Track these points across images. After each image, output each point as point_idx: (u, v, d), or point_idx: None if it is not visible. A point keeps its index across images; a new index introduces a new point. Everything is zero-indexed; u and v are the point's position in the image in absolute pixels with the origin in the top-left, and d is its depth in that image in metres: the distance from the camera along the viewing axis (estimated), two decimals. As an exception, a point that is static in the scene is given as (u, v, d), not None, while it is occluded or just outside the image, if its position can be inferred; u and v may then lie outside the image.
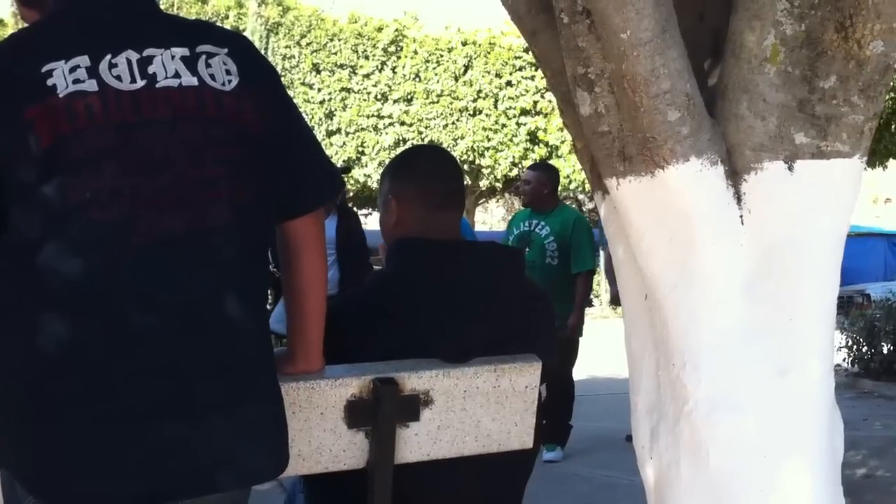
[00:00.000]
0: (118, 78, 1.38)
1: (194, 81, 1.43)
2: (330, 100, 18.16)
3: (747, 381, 1.42)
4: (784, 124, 1.42)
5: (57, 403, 1.36)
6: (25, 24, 1.58)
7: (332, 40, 18.27)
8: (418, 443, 1.76)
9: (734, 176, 1.44)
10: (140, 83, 1.39)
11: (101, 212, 1.35)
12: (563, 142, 18.06)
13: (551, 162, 18.42)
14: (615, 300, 6.60)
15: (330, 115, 18.12)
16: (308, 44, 18.21)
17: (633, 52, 1.34)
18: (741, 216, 1.44)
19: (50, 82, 1.35)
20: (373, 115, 18.23)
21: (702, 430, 1.44)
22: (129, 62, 1.40)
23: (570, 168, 18.10)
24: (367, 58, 18.34)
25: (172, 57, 1.43)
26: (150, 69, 1.41)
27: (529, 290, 2.09)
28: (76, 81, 1.36)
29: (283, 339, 1.71)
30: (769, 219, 1.43)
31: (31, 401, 1.38)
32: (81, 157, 1.34)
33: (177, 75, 1.42)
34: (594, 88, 1.44)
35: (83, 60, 1.37)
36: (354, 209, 5.79)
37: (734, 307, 1.44)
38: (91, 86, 1.36)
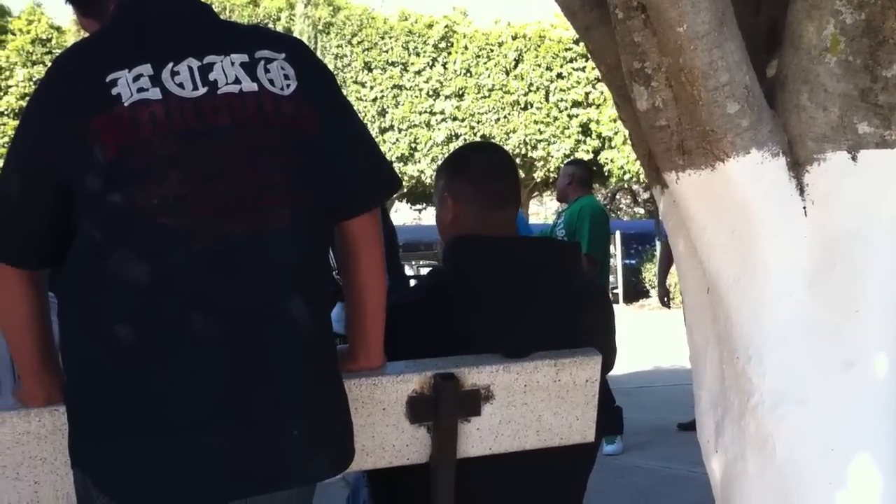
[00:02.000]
0: (181, 85, 1.40)
1: (254, 87, 1.45)
2: (382, 97, 18.24)
3: (813, 375, 1.41)
4: (846, 114, 1.40)
5: (123, 405, 1.39)
6: (86, 33, 1.62)
7: (382, 38, 18.34)
8: (480, 437, 1.78)
9: (796, 167, 1.42)
10: (202, 90, 1.41)
11: (167, 218, 1.37)
12: (615, 133, 17.92)
13: (604, 153, 18.32)
14: (661, 300, 6.51)
15: (382, 113, 18.20)
16: (359, 42, 18.31)
17: (691, 46, 1.33)
18: (804, 208, 1.42)
19: (115, 92, 1.37)
20: (425, 112, 18.26)
21: (768, 424, 1.42)
22: (190, 69, 1.42)
23: (623, 159, 17.96)
24: (417, 54, 18.38)
25: (232, 63, 1.45)
26: (211, 76, 1.43)
27: (585, 283, 2.09)
28: (140, 90, 1.38)
29: (342, 338, 1.73)
30: (833, 210, 1.41)
31: (99, 402, 1.42)
32: (146, 165, 1.37)
33: (237, 81, 1.44)
34: (651, 83, 1.43)
35: (146, 69, 1.40)
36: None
37: (798, 300, 1.42)
38: (155, 94, 1.39)
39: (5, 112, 16.34)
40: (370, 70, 18.34)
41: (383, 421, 1.71)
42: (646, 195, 22.29)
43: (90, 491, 1.43)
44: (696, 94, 1.37)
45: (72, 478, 1.50)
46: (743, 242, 1.45)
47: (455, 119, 18.29)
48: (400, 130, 18.26)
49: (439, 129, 18.25)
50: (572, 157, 15.29)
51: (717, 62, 1.35)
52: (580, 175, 5.91)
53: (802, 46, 1.41)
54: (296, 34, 16.70)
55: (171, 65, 1.41)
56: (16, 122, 15.96)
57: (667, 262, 6.35)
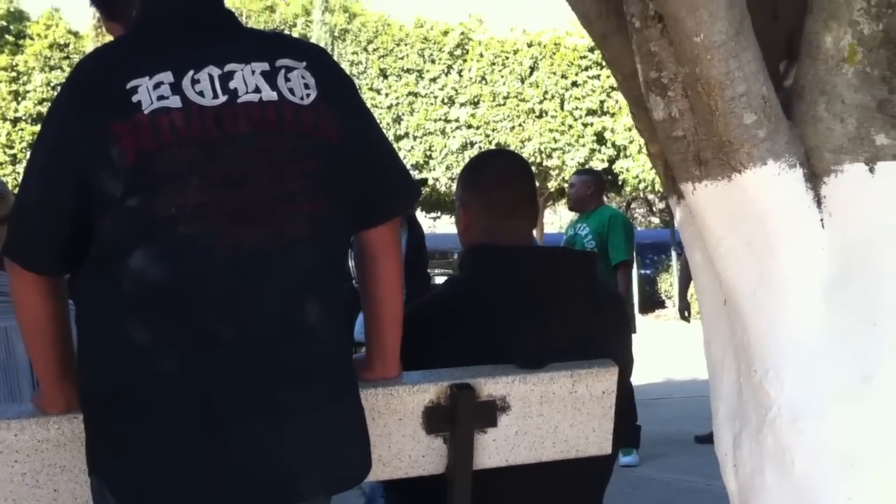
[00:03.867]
0: (201, 94, 1.41)
1: (274, 96, 1.45)
2: (397, 104, 18.28)
3: (831, 388, 1.40)
4: (864, 125, 1.39)
5: (140, 411, 1.40)
6: (107, 37, 1.63)
7: (398, 45, 18.39)
8: (496, 448, 1.78)
9: (813, 179, 1.42)
10: (222, 98, 1.42)
11: (186, 226, 1.38)
12: (630, 141, 17.88)
13: (619, 161, 18.28)
14: (682, 313, 6.48)
15: (398, 120, 18.23)
16: (375, 49, 18.36)
17: (707, 56, 1.33)
18: (821, 219, 1.42)
19: (135, 98, 1.38)
20: (440, 119, 18.28)
21: (786, 437, 1.41)
22: (211, 78, 1.42)
23: (638, 168, 17.92)
24: (433, 62, 18.41)
25: (253, 72, 1.45)
26: (232, 84, 1.43)
27: (602, 293, 2.09)
28: (160, 98, 1.39)
29: (361, 346, 1.74)
30: (850, 221, 1.40)
31: (116, 409, 1.42)
32: (166, 172, 1.38)
33: (257, 90, 1.44)
34: (667, 92, 1.43)
35: (167, 76, 1.40)
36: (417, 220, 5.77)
37: (816, 312, 1.41)
38: (175, 102, 1.39)
39: (23, 117, 16.44)
40: (385, 77, 18.38)
41: (400, 431, 1.71)
42: (661, 205, 22.24)
43: (107, 499, 1.44)
44: (712, 104, 1.36)
45: (89, 485, 1.50)
46: (759, 254, 1.44)
47: (470, 127, 18.30)
48: (415, 138, 18.28)
49: (454, 137, 18.26)
50: (585, 167, 15.25)
51: (734, 72, 1.34)
52: (600, 184, 5.92)
53: (820, 57, 1.41)
54: (312, 40, 16.75)
55: (191, 73, 1.42)
56: (34, 127, 16.12)
57: (687, 274, 6.31)
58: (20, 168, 16.02)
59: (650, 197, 21.59)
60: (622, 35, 1.57)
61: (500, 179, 2.01)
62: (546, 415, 1.80)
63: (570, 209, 6.03)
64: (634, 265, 5.79)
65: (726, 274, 1.50)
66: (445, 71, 18.47)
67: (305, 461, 1.44)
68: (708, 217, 1.49)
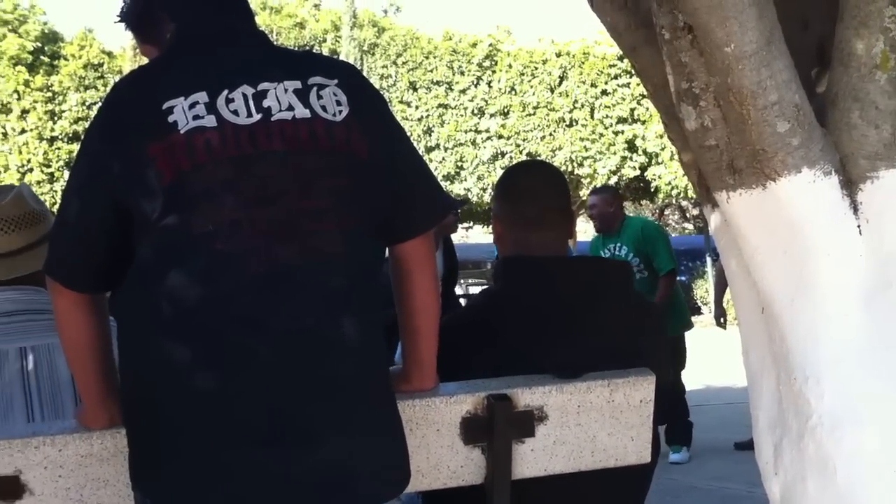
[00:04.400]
0: (235, 113, 1.43)
1: (307, 114, 1.47)
2: (428, 116, 18.31)
3: (871, 395, 1.39)
4: (899, 131, 1.39)
5: (177, 428, 1.42)
6: (140, 57, 1.65)
7: (427, 58, 18.44)
8: (534, 458, 1.78)
9: (849, 186, 1.41)
10: (256, 117, 1.44)
11: (222, 243, 1.39)
12: (662, 148, 17.77)
13: (651, 169, 18.18)
14: (717, 320, 6.42)
15: (428, 132, 18.27)
16: (404, 63, 18.42)
17: (739, 66, 1.33)
18: (858, 226, 1.41)
19: (171, 119, 1.40)
20: (470, 130, 18.28)
21: (827, 445, 1.41)
22: (244, 97, 1.44)
23: (671, 175, 17.81)
24: (462, 73, 18.43)
25: (286, 90, 1.47)
26: (265, 103, 1.45)
27: (637, 302, 2.08)
28: (196, 117, 1.41)
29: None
30: (887, 228, 1.39)
31: (155, 425, 1.44)
32: (201, 191, 1.39)
33: (290, 108, 1.46)
34: (699, 102, 1.43)
35: (202, 96, 1.42)
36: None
37: (854, 319, 1.40)
38: (210, 121, 1.41)
39: (59, 136, 16.67)
40: (415, 90, 18.44)
41: (438, 442, 1.72)
42: (695, 211, 22.07)
43: None
44: (745, 113, 1.37)
45: (132, 500, 1.52)
46: (796, 262, 1.44)
47: (500, 137, 18.29)
48: (446, 149, 18.30)
49: (485, 148, 18.25)
50: (598, 186, 15.14)
51: (766, 81, 1.34)
52: (619, 198, 5.90)
53: (852, 64, 1.41)
54: (342, 56, 16.87)
55: (225, 92, 1.44)
56: (70, 146, 16.33)
57: (723, 281, 6.25)
58: (57, 186, 16.25)
59: (683, 203, 21.44)
60: (652, 46, 1.57)
61: (528, 192, 2.01)
62: (584, 424, 1.79)
63: (599, 231, 5.85)
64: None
65: (763, 282, 1.49)
66: (475, 82, 18.48)
67: (343, 477, 1.44)
68: (743, 225, 1.49)
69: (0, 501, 1.52)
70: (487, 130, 18.29)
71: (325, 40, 18.39)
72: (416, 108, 18.32)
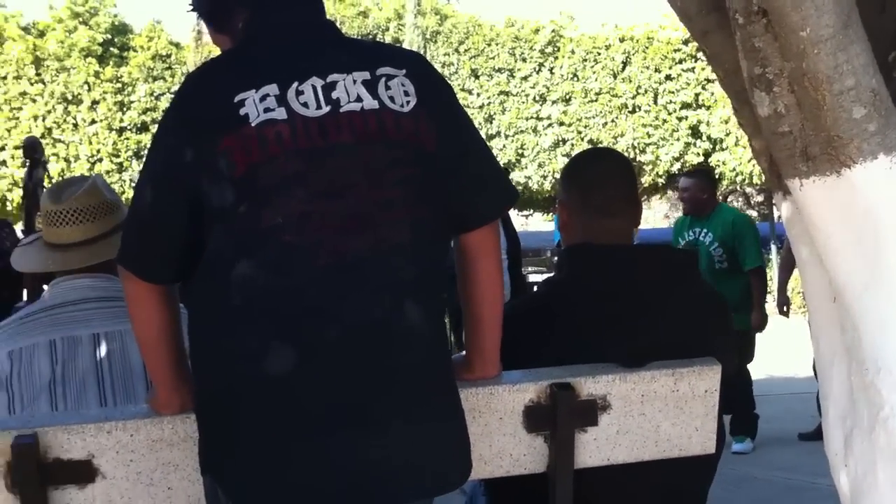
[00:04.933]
0: (305, 105, 1.44)
1: (375, 105, 1.47)
2: (489, 104, 18.27)
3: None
4: (980, 116, 1.34)
5: (246, 416, 1.44)
6: (206, 47, 1.67)
7: (489, 45, 18.37)
8: (597, 447, 1.77)
9: (927, 172, 1.37)
10: (325, 109, 1.45)
11: (292, 235, 1.41)
12: (727, 134, 17.49)
13: (715, 155, 17.90)
14: (781, 308, 6.30)
15: (489, 119, 18.22)
16: (466, 50, 18.39)
17: (814, 50, 1.30)
18: (935, 214, 1.37)
19: (242, 112, 1.42)
20: (531, 117, 18.19)
21: (899, 437, 1.38)
22: (314, 89, 1.45)
23: (735, 161, 17.52)
24: (524, 60, 18.34)
25: (354, 81, 1.48)
26: (334, 95, 1.46)
27: (704, 291, 2.06)
28: (266, 110, 1.42)
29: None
30: (966, 216, 1.35)
31: (224, 412, 1.47)
32: (272, 183, 1.41)
33: (358, 99, 1.47)
34: (773, 88, 1.40)
35: (272, 89, 1.43)
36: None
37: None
38: (280, 114, 1.42)
39: (128, 127, 17.01)
40: (477, 77, 18.39)
41: (500, 430, 1.72)
42: (759, 198, 21.67)
43: (220, 498, 1.49)
44: (820, 99, 1.33)
45: (202, 484, 1.56)
46: (870, 251, 1.40)
47: (562, 124, 18.17)
48: (507, 136, 18.24)
49: (546, 135, 18.15)
50: (692, 166, 14.87)
51: (843, 66, 1.31)
52: (714, 184, 5.87)
53: (933, 47, 1.36)
54: (405, 44, 16.91)
55: (295, 84, 1.45)
56: (139, 136, 16.65)
57: (786, 268, 6.14)
58: (126, 176, 16.60)
59: (748, 190, 21.05)
60: (724, 31, 1.54)
61: (599, 179, 2.00)
62: (647, 414, 1.78)
63: (687, 213, 5.82)
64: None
65: (836, 271, 1.46)
66: (537, 69, 18.37)
67: (407, 465, 1.46)
68: (816, 213, 1.46)
69: (73, 485, 1.56)
70: (549, 117, 18.18)
71: (387, 28, 18.44)
72: (478, 95, 18.28)
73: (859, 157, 1.35)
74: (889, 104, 1.37)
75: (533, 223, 25.11)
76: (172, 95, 1.53)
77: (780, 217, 1.68)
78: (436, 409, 1.52)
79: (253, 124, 1.41)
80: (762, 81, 1.41)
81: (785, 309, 6.32)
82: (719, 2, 1.51)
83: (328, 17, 1.63)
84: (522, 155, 18.26)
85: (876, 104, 1.34)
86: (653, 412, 1.79)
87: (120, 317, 1.89)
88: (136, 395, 1.96)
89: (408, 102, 1.50)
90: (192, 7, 1.68)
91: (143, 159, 1.54)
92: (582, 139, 17.91)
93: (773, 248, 16.52)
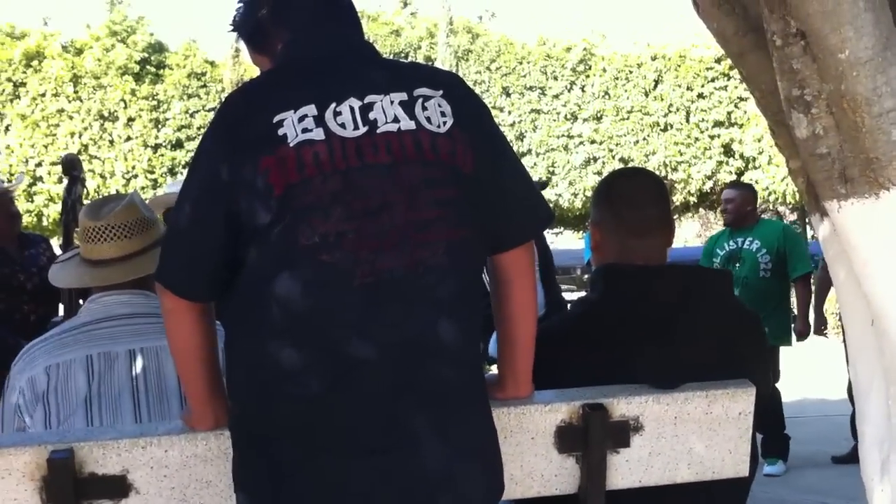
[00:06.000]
0: (342, 126, 1.44)
1: (412, 125, 1.48)
2: (520, 122, 18.31)
3: None
4: None
5: (281, 433, 1.45)
6: (242, 66, 1.68)
7: (520, 63, 18.44)
8: (629, 469, 1.76)
9: (967, 195, 1.36)
10: (362, 129, 1.45)
11: (328, 254, 1.41)
12: (760, 152, 17.39)
13: (748, 173, 17.78)
14: (818, 329, 6.24)
15: (521, 137, 18.25)
16: (497, 68, 18.46)
17: (853, 72, 1.29)
18: (976, 237, 1.35)
19: (281, 132, 1.42)
20: (563, 135, 18.21)
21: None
22: (352, 109, 1.46)
23: (768, 179, 17.40)
24: (555, 78, 18.37)
25: (391, 102, 1.48)
26: (371, 115, 1.46)
27: (739, 311, 2.04)
28: (304, 130, 1.43)
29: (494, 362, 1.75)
30: None
31: (259, 429, 1.48)
32: (310, 203, 1.41)
33: (395, 120, 1.47)
34: (811, 110, 1.40)
35: (310, 110, 1.44)
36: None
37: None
38: (318, 134, 1.43)
39: (163, 143, 17.21)
40: (508, 95, 18.45)
41: (532, 450, 1.72)
42: (792, 217, 21.50)
43: None
44: (858, 121, 1.33)
45: (235, 501, 1.55)
46: (910, 274, 1.39)
47: (593, 142, 18.16)
48: (538, 154, 18.26)
49: (577, 153, 18.15)
50: (736, 181, 14.82)
51: (882, 88, 1.31)
52: (756, 198, 5.84)
53: (972, 69, 1.35)
54: (437, 62, 17.01)
55: (333, 105, 1.46)
56: (174, 153, 16.84)
57: (823, 288, 6.08)
58: (160, 192, 16.79)
59: (780, 209, 20.89)
60: (760, 52, 1.54)
61: (632, 199, 1.99)
62: (680, 436, 1.77)
63: (728, 224, 5.79)
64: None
65: (874, 294, 1.45)
66: (568, 87, 18.40)
67: (440, 485, 1.46)
68: (854, 236, 1.45)
69: (107, 500, 1.57)
70: (580, 135, 18.18)
71: (419, 47, 18.57)
72: (509, 113, 18.33)
73: (898, 179, 1.34)
74: (928, 126, 1.36)
75: (563, 241, 25.05)
76: (209, 113, 1.54)
77: (813, 236, 1.67)
78: (471, 428, 1.52)
79: (291, 145, 1.42)
80: (800, 103, 1.41)
81: (822, 329, 6.25)
82: (756, 23, 1.51)
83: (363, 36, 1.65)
84: (553, 173, 18.26)
85: (916, 126, 1.33)
86: (686, 434, 1.77)
87: (157, 333, 1.91)
88: (171, 412, 1.97)
89: (444, 123, 1.50)
90: (232, 28, 1.70)
91: (180, 176, 1.56)
92: (613, 157, 17.89)
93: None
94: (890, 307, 1.42)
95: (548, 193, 17.75)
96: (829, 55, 1.30)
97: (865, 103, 1.30)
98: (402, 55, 17.78)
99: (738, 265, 5.44)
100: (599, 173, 17.04)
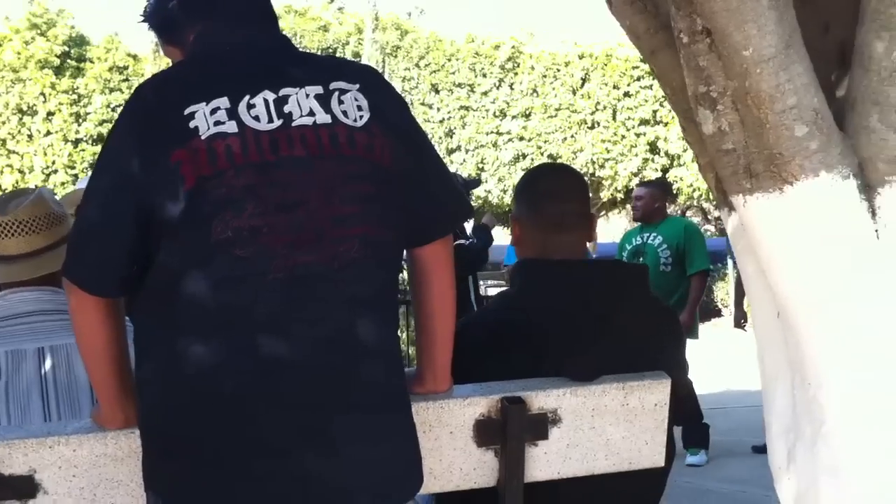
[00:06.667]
0: (256, 118, 1.42)
1: (328, 119, 1.46)
2: (449, 118, 18.31)
3: (886, 401, 1.38)
4: (918, 135, 1.37)
5: (194, 433, 1.42)
6: (163, 59, 1.66)
7: (449, 60, 18.44)
8: (548, 461, 1.77)
9: (868, 190, 1.40)
10: (277, 123, 1.43)
11: (241, 249, 1.39)
12: (684, 150, 17.69)
13: (673, 170, 18.12)
14: (737, 322, 6.45)
15: (450, 134, 18.27)
16: (426, 65, 18.43)
17: (757, 69, 1.32)
18: (876, 231, 1.40)
19: (192, 125, 1.40)
20: (492, 132, 18.28)
21: (840, 452, 1.40)
22: (266, 102, 1.44)
23: (693, 177, 17.73)
24: (484, 76, 18.42)
25: (307, 95, 1.46)
26: (286, 108, 1.44)
27: (655, 306, 2.08)
28: (217, 123, 1.40)
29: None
30: (906, 232, 1.38)
31: (172, 431, 1.45)
32: (222, 197, 1.38)
33: (311, 113, 1.45)
34: (717, 106, 1.42)
35: (223, 102, 1.42)
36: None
37: (871, 324, 1.39)
38: (231, 127, 1.40)
39: (84, 138, 16.78)
40: (437, 92, 18.44)
41: (451, 444, 1.72)
42: (716, 213, 21.94)
43: None
44: (762, 117, 1.36)
45: (146, 501, 1.52)
46: (813, 267, 1.43)
47: (522, 139, 18.27)
48: (467, 151, 18.30)
49: (506, 150, 18.24)
50: (649, 178, 15.15)
51: (784, 85, 1.34)
52: (666, 196, 6.12)
53: (872, 67, 1.39)
54: (364, 58, 16.91)
55: (247, 98, 1.43)
56: (95, 148, 16.43)
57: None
58: (73, 188, 16.36)
59: (705, 206, 21.30)
60: (671, 50, 1.57)
61: (550, 194, 2.01)
62: (598, 427, 1.79)
63: (636, 220, 6.08)
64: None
65: (779, 286, 1.48)
66: (497, 84, 18.47)
67: (358, 481, 1.45)
68: (759, 229, 1.48)
69: (15, 500, 1.53)
70: (509, 132, 18.28)
71: (348, 43, 18.42)
72: (438, 110, 18.33)
73: (801, 174, 1.38)
74: (831, 123, 1.40)
75: (495, 237, 25.16)
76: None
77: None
78: (389, 424, 1.51)
79: (203, 137, 1.39)
80: (706, 99, 1.43)
81: (742, 322, 6.45)
82: (667, 21, 1.53)
83: (288, 31, 1.63)
84: (483, 169, 18.32)
85: (818, 122, 1.37)
86: (603, 426, 1.79)
87: (66, 330, 1.86)
88: (81, 410, 1.93)
89: (361, 117, 1.49)
90: (143, 19, 1.66)
91: (93, 170, 1.51)
92: (542, 154, 18.03)
93: (731, 262, 16.73)
94: (793, 299, 1.46)
95: (477, 190, 17.82)
96: (734, 52, 1.33)
97: (769, 100, 1.33)
98: (330, 51, 17.62)
99: (641, 259, 5.66)
100: (528, 170, 17.16)
